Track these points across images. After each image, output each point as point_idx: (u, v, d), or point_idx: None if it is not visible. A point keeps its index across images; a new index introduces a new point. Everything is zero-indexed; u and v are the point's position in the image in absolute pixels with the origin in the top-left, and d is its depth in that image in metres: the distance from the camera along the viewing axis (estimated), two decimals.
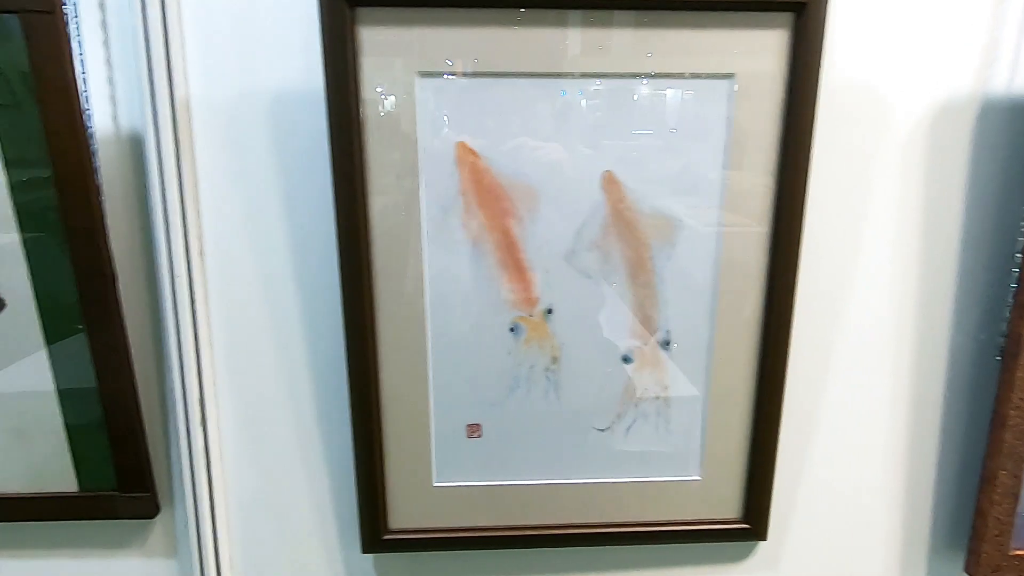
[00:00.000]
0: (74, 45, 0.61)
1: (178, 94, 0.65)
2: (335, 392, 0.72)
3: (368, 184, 0.63)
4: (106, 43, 0.65)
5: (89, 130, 0.63)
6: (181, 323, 0.69)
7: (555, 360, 0.70)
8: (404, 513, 0.74)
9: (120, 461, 0.71)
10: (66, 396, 0.69)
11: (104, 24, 0.64)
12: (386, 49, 0.60)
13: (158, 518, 0.75)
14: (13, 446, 0.70)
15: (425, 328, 0.68)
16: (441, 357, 0.69)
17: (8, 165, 0.61)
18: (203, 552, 0.75)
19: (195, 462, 0.72)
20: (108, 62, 0.65)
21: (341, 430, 0.73)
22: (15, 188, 0.62)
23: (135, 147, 0.67)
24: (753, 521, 0.76)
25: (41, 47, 0.57)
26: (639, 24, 0.61)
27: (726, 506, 0.76)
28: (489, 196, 0.65)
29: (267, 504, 0.76)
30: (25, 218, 0.63)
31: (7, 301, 0.66)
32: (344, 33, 0.58)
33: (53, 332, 0.66)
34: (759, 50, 0.62)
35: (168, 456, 0.74)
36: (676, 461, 0.74)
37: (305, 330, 0.71)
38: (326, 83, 0.60)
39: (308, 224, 0.68)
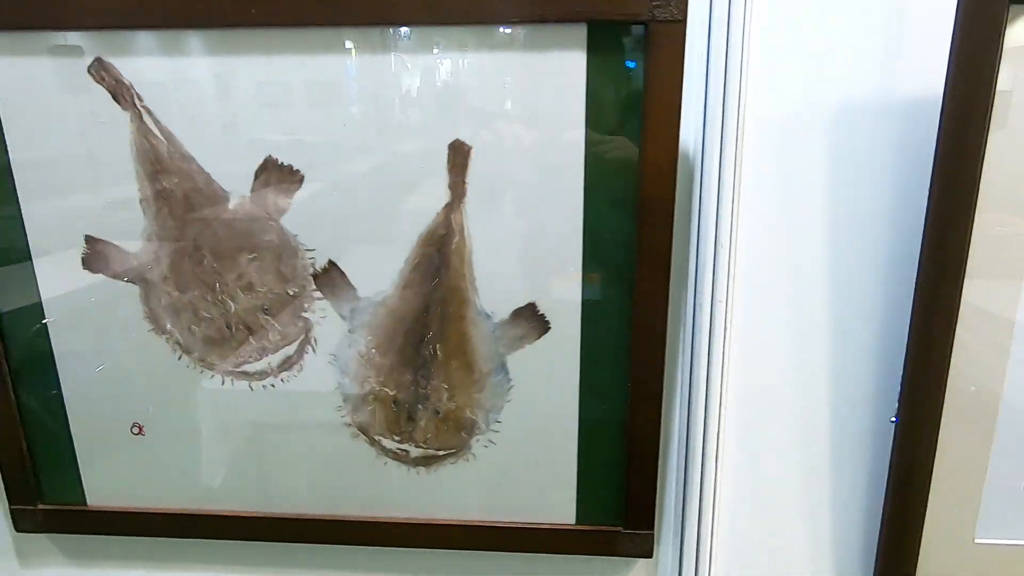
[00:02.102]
0: None
1: (740, 111, 0.62)
2: (860, 434, 0.65)
3: (975, 214, 0.57)
4: None
5: None
6: (712, 352, 0.65)
7: None
8: (932, 573, 0.67)
9: (633, 496, 0.67)
10: (587, 426, 0.67)
11: None
12: None
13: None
14: (523, 475, 0.69)
15: (1004, 373, 0.61)
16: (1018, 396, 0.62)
17: (590, 188, 0.60)
18: None
19: (703, 501, 0.68)
20: None
21: (857, 476, 0.67)
22: (594, 199, 0.59)
23: (682, 165, 0.64)
24: None
25: (660, 58, 0.55)
26: None
27: None
28: None
29: (761, 552, 0.70)
30: (593, 238, 0.62)
31: (552, 324, 0.64)
32: (990, 35, 0.53)
33: (590, 360, 0.65)
34: None
35: (662, 492, 0.71)
36: None
37: (834, 368, 0.64)
38: (950, 93, 0.54)
39: (859, 254, 0.62)
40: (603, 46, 0.56)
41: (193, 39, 0.58)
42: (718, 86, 0.59)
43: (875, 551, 0.67)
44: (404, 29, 0.57)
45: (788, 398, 0.67)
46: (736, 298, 0.65)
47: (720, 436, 0.67)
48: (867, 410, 0.66)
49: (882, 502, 0.65)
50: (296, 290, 0.64)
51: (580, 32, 0.56)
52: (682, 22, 0.54)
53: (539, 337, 0.64)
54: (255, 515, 0.70)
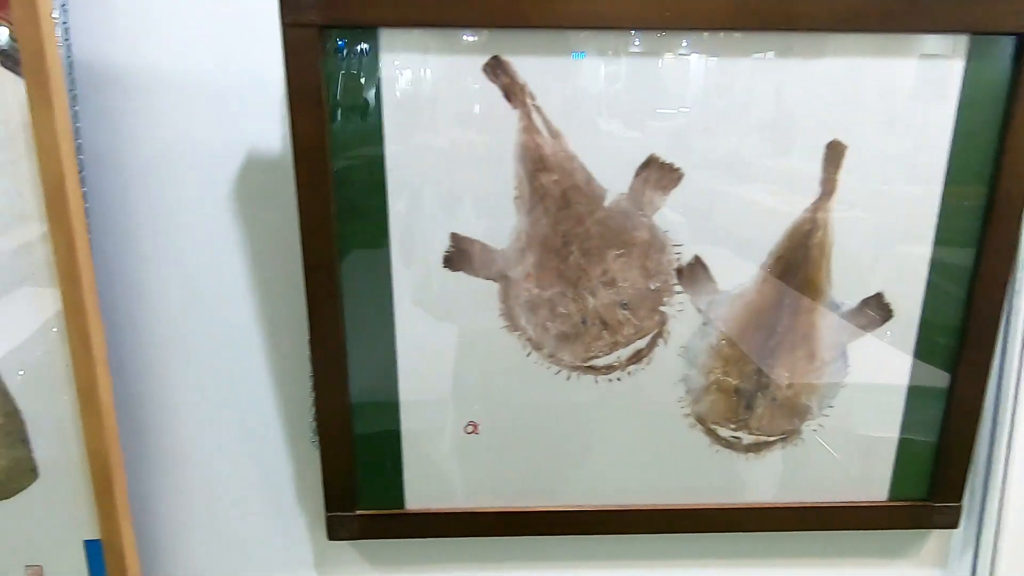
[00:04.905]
0: None
1: None
2: None
3: None
4: None
5: None
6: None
7: None
8: None
9: (945, 471, 0.72)
10: (911, 407, 0.70)
11: None
12: None
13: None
14: (845, 456, 0.71)
15: None
16: None
17: (948, 188, 0.64)
18: (977, 567, 0.76)
19: (1008, 473, 0.73)
20: None
21: None
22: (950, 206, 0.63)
23: None
24: None
25: None
26: None
27: None
28: None
29: None
30: (944, 231, 0.66)
31: (895, 312, 0.68)
32: None
33: (923, 345, 0.68)
34: None
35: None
36: None
37: None
38: None
39: None
40: (977, 55, 0.61)
41: (588, 38, 0.60)
42: None
43: None
44: (796, 35, 0.61)
45: None
46: None
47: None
48: None
49: None
50: (658, 285, 0.66)
51: (961, 43, 0.61)
52: None
53: (881, 324, 0.68)
54: (586, 509, 0.71)
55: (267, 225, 0.67)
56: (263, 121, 0.65)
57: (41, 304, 0.61)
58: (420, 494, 0.71)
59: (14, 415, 0.62)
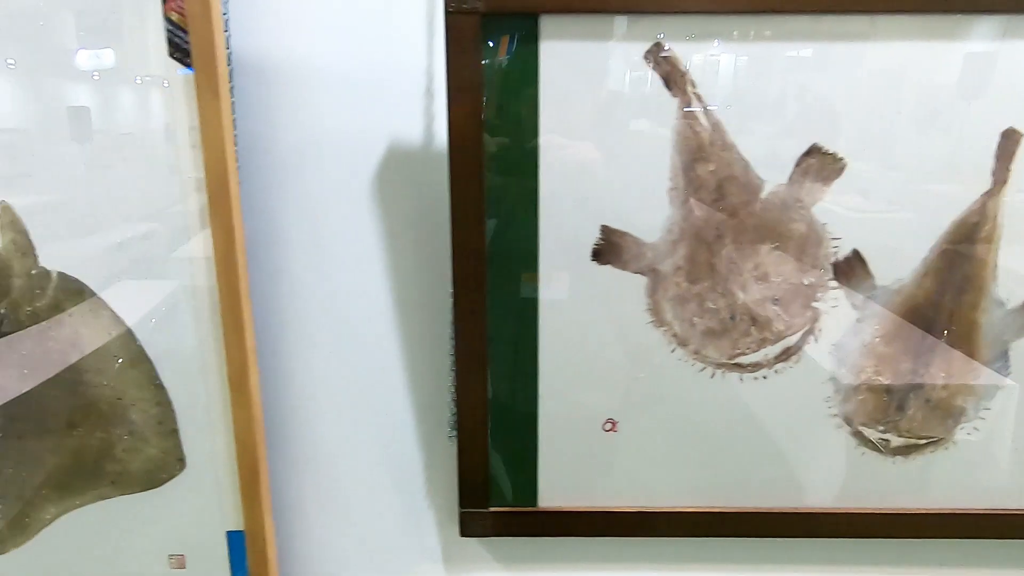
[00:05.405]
0: None
1: None
2: None
3: None
4: None
5: None
6: None
7: None
8: None
9: None
10: None
11: None
12: None
13: None
14: (1001, 461, 0.69)
15: None
16: None
17: None
18: None
19: None
20: None
21: None
22: None
23: None
24: None
25: None
26: None
27: None
28: None
29: None
30: None
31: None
32: None
33: None
34: None
35: None
36: None
37: None
38: None
39: None
40: None
41: (757, 25, 0.58)
42: None
43: None
44: (964, 16, 0.58)
45: None
46: None
47: None
48: None
49: None
50: (812, 280, 0.64)
51: None
52: None
53: None
54: (723, 511, 0.69)
55: (410, 216, 0.66)
56: (406, 112, 0.64)
57: (196, 294, 0.61)
58: (553, 492, 0.70)
59: (167, 405, 0.63)
